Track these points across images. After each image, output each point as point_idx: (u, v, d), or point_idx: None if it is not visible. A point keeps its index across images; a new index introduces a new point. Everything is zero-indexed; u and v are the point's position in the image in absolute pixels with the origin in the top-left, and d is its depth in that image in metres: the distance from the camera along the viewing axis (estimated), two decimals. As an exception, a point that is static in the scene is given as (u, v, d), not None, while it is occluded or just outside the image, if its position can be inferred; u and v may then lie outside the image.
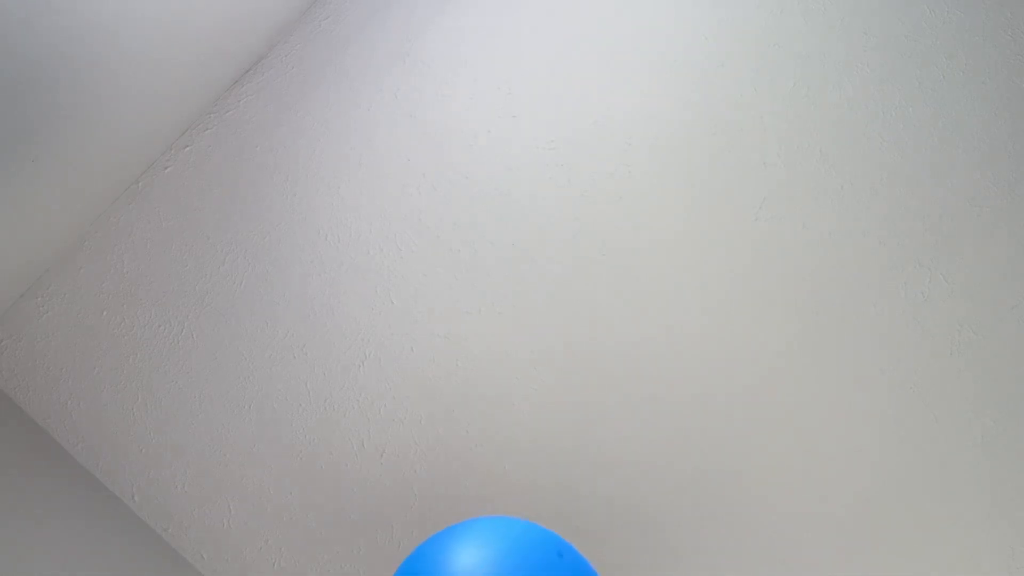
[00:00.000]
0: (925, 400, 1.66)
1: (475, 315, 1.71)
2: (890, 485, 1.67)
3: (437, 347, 1.71)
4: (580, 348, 1.70)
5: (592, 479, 1.70)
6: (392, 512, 1.71)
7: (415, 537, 1.72)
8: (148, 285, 1.68)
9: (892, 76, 1.66)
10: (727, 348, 1.69)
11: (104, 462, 1.67)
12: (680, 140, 1.69)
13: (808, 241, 1.68)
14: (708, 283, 1.69)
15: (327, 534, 1.71)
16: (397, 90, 1.72)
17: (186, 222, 1.69)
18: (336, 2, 1.73)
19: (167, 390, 1.68)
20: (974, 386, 1.65)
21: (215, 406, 1.69)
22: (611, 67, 1.71)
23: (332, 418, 1.71)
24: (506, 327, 1.71)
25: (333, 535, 1.71)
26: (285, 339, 1.70)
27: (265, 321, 1.70)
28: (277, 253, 1.71)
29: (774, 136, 1.68)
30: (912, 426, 1.66)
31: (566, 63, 1.71)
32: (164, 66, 1.45)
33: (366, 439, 1.71)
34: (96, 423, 1.66)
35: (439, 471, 1.72)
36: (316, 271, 1.71)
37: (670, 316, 1.70)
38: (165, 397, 1.68)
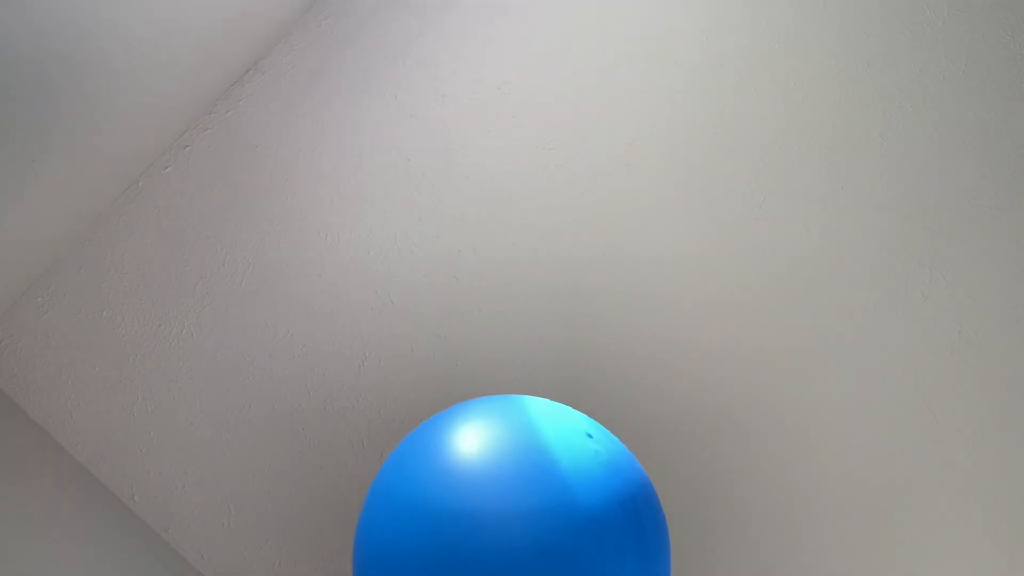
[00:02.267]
0: (925, 400, 1.66)
1: (475, 315, 1.71)
2: (889, 485, 1.67)
3: (437, 347, 1.71)
4: (580, 348, 1.71)
5: (592, 479, 1.70)
6: (392, 512, 1.71)
7: (415, 537, 1.71)
8: (148, 285, 1.68)
9: (892, 76, 1.66)
10: (727, 348, 1.69)
11: (104, 462, 1.67)
12: (680, 140, 1.69)
13: (808, 241, 1.68)
14: (708, 283, 1.69)
15: (327, 534, 1.71)
16: (397, 90, 1.72)
17: (186, 222, 1.69)
18: (336, 2, 1.73)
19: (167, 390, 1.68)
20: (974, 386, 1.66)
21: (215, 406, 1.69)
22: (611, 67, 1.71)
23: (332, 418, 1.71)
24: (506, 327, 1.71)
25: (333, 535, 1.71)
26: (285, 339, 1.70)
27: (265, 321, 1.70)
28: (277, 253, 1.71)
29: (774, 136, 1.68)
30: (912, 426, 1.66)
31: (566, 63, 1.71)
32: (164, 66, 1.45)
33: (366, 439, 1.71)
34: (96, 423, 1.66)
35: (439, 471, 1.72)
36: (316, 271, 1.71)
37: (670, 315, 1.70)
38: (165, 397, 1.68)
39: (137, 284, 1.68)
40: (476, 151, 1.71)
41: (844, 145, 1.67)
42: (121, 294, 1.67)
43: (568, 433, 1.07)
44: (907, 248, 1.66)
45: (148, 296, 1.68)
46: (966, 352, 1.65)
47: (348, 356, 1.71)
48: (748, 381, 1.69)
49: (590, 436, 1.09)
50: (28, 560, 1.32)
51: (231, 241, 1.70)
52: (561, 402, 1.70)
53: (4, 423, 1.58)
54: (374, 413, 1.71)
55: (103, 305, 1.67)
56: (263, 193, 1.71)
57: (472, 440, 1.05)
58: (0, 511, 1.34)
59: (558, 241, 1.71)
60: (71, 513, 1.53)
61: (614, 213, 1.70)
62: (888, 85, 1.66)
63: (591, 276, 1.71)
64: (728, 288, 1.69)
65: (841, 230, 1.67)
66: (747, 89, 1.68)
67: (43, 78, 1.18)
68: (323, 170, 1.71)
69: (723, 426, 1.69)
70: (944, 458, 1.66)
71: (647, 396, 1.70)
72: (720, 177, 1.69)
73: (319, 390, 1.71)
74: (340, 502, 1.71)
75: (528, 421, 1.07)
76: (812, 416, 1.68)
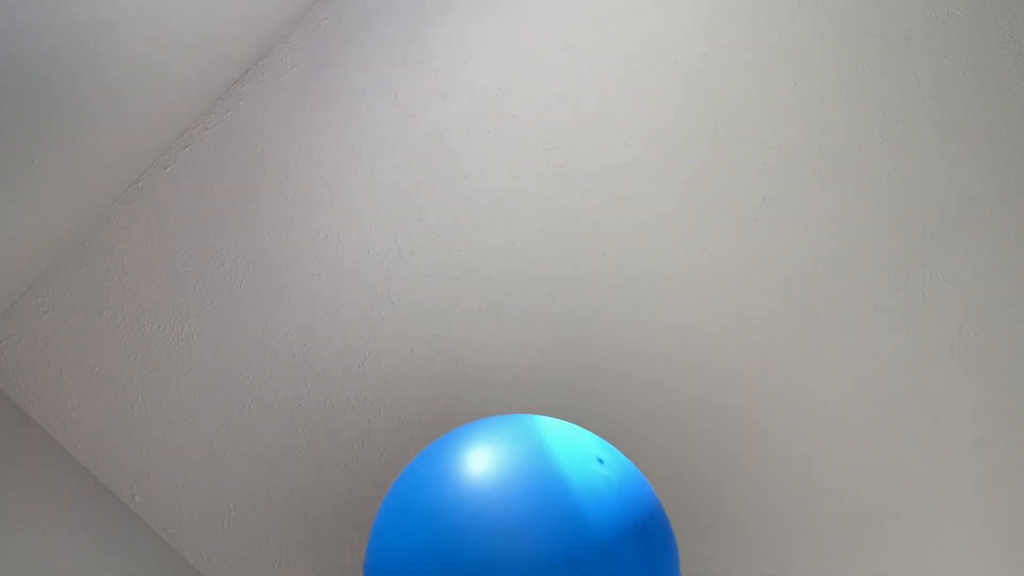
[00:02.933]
0: (925, 400, 1.66)
1: (475, 315, 1.71)
2: (890, 485, 1.67)
3: (437, 347, 1.71)
4: (580, 348, 1.70)
5: (592, 479, 1.70)
6: (392, 512, 1.71)
7: (415, 537, 1.71)
8: (148, 285, 1.68)
9: (892, 76, 1.66)
10: (727, 348, 1.69)
11: (104, 462, 1.67)
12: (680, 140, 1.69)
13: (808, 241, 1.68)
14: (708, 283, 1.69)
15: (328, 534, 1.71)
16: (397, 90, 1.72)
17: (186, 222, 1.69)
18: (336, 2, 1.73)
19: (167, 390, 1.68)
20: (974, 386, 1.66)
21: (215, 406, 1.69)
22: (611, 67, 1.71)
23: (332, 418, 1.71)
24: (506, 327, 1.71)
25: (334, 536, 1.71)
26: (285, 339, 1.70)
27: (265, 321, 1.70)
28: (277, 253, 1.71)
29: (774, 136, 1.68)
30: (912, 426, 1.66)
31: (566, 63, 1.71)
32: (164, 66, 1.45)
33: (366, 439, 1.71)
34: (96, 423, 1.66)
35: (439, 471, 1.71)
36: (316, 271, 1.71)
37: (670, 316, 1.70)
38: (165, 397, 1.68)
39: (137, 284, 1.68)
40: (476, 151, 1.71)
41: (844, 145, 1.67)
42: (121, 294, 1.67)
43: (579, 458, 1.05)
44: (907, 248, 1.66)
45: (148, 296, 1.68)
46: (966, 352, 1.65)
47: (348, 356, 1.71)
48: (746, 381, 1.69)
49: (601, 462, 1.07)
50: (28, 560, 1.32)
51: (231, 241, 1.70)
52: (560, 400, 1.70)
53: (4, 423, 1.58)
54: (374, 413, 1.71)
55: (103, 305, 1.67)
56: (263, 193, 1.71)
57: (483, 466, 1.03)
58: (0, 511, 1.34)
59: (558, 241, 1.71)
60: (71, 513, 1.53)
61: (614, 213, 1.70)
62: (888, 85, 1.66)
63: (591, 275, 1.70)
64: (727, 287, 1.69)
65: (841, 230, 1.67)
66: (747, 89, 1.68)
67: (43, 78, 1.18)
68: (323, 170, 1.71)
69: (720, 425, 1.69)
70: (944, 458, 1.66)
71: (646, 394, 1.70)
72: (720, 177, 1.69)
73: (319, 390, 1.71)
74: (340, 502, 1.71)
75: (540, 446, 1.05)
76: (812, 416, 1.68)
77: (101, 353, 1.67)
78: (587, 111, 1.71)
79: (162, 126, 1.63)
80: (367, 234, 1.71)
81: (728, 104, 1.69)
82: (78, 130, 1.36)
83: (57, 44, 1.15)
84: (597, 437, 1.17)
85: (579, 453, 1.07)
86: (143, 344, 1.68)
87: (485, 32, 1.72)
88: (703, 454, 1.69)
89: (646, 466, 1.70)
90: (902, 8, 1.66)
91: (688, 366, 1.69)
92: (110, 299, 1.67)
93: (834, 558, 1.68)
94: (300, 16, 1.72)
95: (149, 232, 1.68)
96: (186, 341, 1.69)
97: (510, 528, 0.96)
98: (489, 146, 1.71)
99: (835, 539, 1.68)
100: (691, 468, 1.70)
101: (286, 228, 1.71)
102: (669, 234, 1.70)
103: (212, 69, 1.61)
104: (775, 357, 1.68)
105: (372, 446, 1.71)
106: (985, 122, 1.64)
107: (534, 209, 1.71)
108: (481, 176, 1.71)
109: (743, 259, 1.69)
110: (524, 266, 1.71)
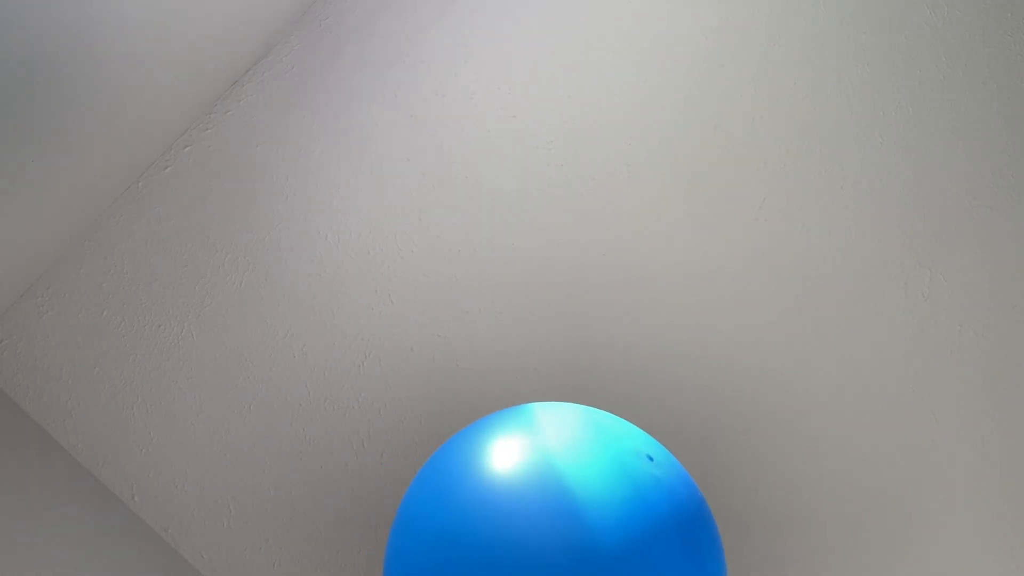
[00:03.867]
0: (925, 400, 1.66)
1: (475, 315, 1.71)
2: (890, 485, 1.67)
3: (437, 347, 1.71)
4: (580, 348, 1.70)
5: (592, 479, 1.70)
6: (392, 513, 1.71)
7: (415, 537, 1.71)
8: (148, 285, 1.68)
9: (892, 76, 1.66)
10: (727, 349, 1.69)
11: (104, 462, 1.67)
12: (680, 140, 1.69)
13: (808, 241, 1.68)
14: (708, 283, 1.69)
15: (327, 534, 1.71)
16: (397, 90, 1.72)
17: (186, 222, 1.69)
18: (336, 2, 1.73)
19: (167, 390, 1.68)
20: (974, 386, 1.66)
21: (215, 406, 1.69)
22: (611, 67, 1.71)
23: (332, 418, 1.71)
24: (506, 327, 1.71)
25: (333, 535, 1.71)
26: (285, 339, 1.70)
27: (265, 321, 1.70)
28: (277, 253, 1.71)
29: (774, 136, 1.68)
30: (912, 426, 1.66)
31: (566, 63, 1.71)
32: (164, 66, 1.45)
33: (366, 439, 1.71)
34: (96, 423, 1.66)
35: (439, 471, 1.71)
36: (316, 271, 1.71)
37: (671, 316, 1.70)
38: (165, 397, 1.68)
39: (137, 284, 1.68)
40: (476, 151, 1.71)
41: (844, 145, 1.67)
42: (121, 294, 1.67)
43: (626, 453, 0.96)
44: (907, 248, 1.66)
45: (148, 296, 1.68)
46: (966, 352, 1.65)
47: (348, 356, 1.71)
48: (746, 381, 1.69)
49: (651, 459, 0.98)
50: (28, 560, 1.32)
51: (231, 241, 1.70)
52: (560, 400, 1.70)
53: (4, 423, 1.58)
54: (374, 413, 1.71)
55: (103, 305, 1.67)
56: (263, 193, 1.71)
57: (521, 460, 0.93)
58: (0, 511, 1.34)
59: (558, 241, 1.71)
60: (71, 513, 1.53)
61: (614, 213, 1.70)
62: (888, 85, 1.66)
63: (591, 276, 1.70)
64: (727, 288, 1.69)
65: (841, 230, 1.67)
66: (747, 89, 1.68)
67: (43, 78, 1.18)
68: (323, 170, 1.71)
69: (720, 426, 1.69)
70: (945, 458, 1.66)
71: (646, 394, 1.70)
72: (720, 177, 1.69)
73: (319, 390, 1.71)
74: (340, 502, 1.71)
75: (584, 439, 0.96)
76: (811, 416, 1.68)
77: (101, 353, 1.67)
78: (588, 111, 1.71)
79: (162, 126, 1.63)
80: (367, 234, 1.72)
81: (729, 104, 1.69)
82: (78, 130, 1.36)
83: (56, 43, 1.15)
84: (643, 431, 1.10)
85: (627, 448, 0.98)
86: (143, 344, 1.68)
87: (485, 32, 1.72)
88: (702, 453, 1.69)
89: (646, 466, 1.70)
90: (902, 8, 1.66)
91: (688, 366, 1.69)
92: (110, 299, 1.67)
93: (833, 557, 1.68)
94: (300, 16, 1.72)
95: (149, 232, 1.68)
96: (186, 341, 1.69)
97: (550, 527, 0.88)
98: (489, 146, 1.71)
99: (835, 538, 1.68)
100: (689, 468, 1.70)
101: (286, 228, 1.71)
102: (670, 234, 1.70)
103: (212, 69, 1.61)
104: (775, 357, 1.68)
105: (372, 446, 1.71)
106: (985, 122, 1.64)
107: (535, 209, 1.71)
108: (481, 176, 1.71)
109: (743, 259, 1.69)
110: (524, 266, 1.71)
